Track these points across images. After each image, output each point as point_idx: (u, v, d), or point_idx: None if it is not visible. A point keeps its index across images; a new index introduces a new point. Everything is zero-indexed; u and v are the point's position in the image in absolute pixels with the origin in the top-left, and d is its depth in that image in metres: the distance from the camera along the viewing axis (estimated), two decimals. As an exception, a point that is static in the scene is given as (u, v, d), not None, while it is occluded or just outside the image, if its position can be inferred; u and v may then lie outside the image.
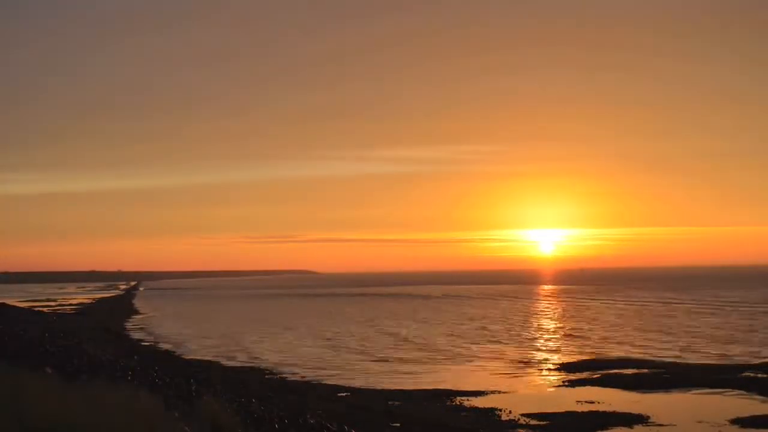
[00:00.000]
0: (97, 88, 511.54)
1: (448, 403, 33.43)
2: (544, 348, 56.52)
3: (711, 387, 36.20)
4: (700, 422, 28.75)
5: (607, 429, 27.78)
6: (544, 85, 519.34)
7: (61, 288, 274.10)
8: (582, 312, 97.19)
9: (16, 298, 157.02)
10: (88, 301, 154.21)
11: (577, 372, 42.58)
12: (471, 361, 49.50)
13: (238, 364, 49.08)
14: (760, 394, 34.35)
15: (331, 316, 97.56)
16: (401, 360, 50.40)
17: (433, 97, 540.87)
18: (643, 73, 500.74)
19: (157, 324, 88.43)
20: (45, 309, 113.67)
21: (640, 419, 29.06)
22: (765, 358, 47.14)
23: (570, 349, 55.24)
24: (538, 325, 78.49)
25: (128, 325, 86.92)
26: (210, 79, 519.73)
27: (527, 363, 47.74)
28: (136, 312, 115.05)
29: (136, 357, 44.05)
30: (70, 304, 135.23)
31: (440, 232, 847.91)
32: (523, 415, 30.20)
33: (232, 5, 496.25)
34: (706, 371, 41.29)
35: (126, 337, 69.87)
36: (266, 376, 43.03)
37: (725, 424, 28.29)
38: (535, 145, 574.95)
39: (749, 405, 32.02)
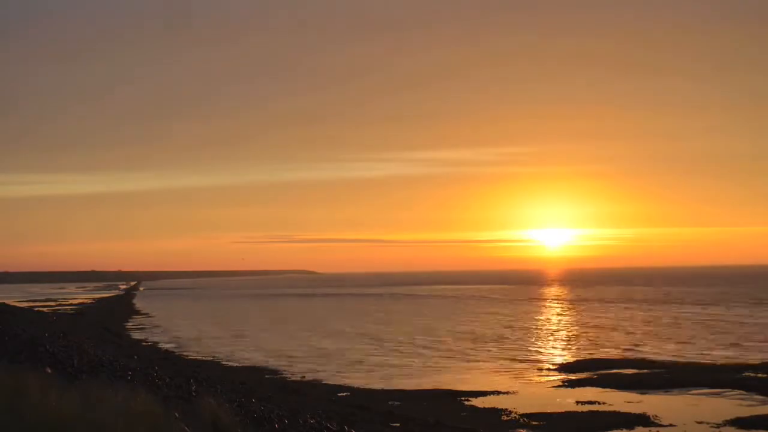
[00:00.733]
0: (97, 89, 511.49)
1: (448, 403, 33.45)
2: (544, 348, 56.53)
3: (711, 387, 36.23)
4: (700, 422, 28.74)
5: (607, 429, 27.75)
6: (556, 88, 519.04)
7: (61, 288, 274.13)
8: (585, 312, 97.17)
9: (15, 298, 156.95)
10: (88, 301, 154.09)
11: (577, 372, 42.60)
12: (471, 361, 49.52)
13: (238, 364, 49.09)
14: (760, 394, 34.35)
15: (328, 317, 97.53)
16: (405, 359, 50.42)
17: (441, 100, 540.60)
18: (650, 76, 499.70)
19: (157, 324, 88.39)
20: (45, 309, 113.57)
21: (640, 419, 29.05)
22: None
23: (570, 349, 55.26)
24: (539, 325, 78.48)
25: (128, 325, 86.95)
26: (210, 79, 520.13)
27: (527, 363, 47.74)
28: (137, 312, 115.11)
29: (136, 357, 44.01)
30: (70, 304, 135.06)
31: (441, 232, 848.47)
32: (523, 415, 30.21)
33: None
34: (706, 371, 41.32)
35: (126, 337, 69.87)
36: (266, 376, 43.04)
37: (725, 425, 28.30)
38: (546, 149, 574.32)
39: (749, 405, 32.03)
